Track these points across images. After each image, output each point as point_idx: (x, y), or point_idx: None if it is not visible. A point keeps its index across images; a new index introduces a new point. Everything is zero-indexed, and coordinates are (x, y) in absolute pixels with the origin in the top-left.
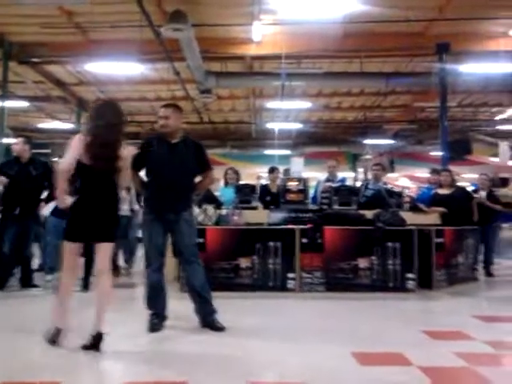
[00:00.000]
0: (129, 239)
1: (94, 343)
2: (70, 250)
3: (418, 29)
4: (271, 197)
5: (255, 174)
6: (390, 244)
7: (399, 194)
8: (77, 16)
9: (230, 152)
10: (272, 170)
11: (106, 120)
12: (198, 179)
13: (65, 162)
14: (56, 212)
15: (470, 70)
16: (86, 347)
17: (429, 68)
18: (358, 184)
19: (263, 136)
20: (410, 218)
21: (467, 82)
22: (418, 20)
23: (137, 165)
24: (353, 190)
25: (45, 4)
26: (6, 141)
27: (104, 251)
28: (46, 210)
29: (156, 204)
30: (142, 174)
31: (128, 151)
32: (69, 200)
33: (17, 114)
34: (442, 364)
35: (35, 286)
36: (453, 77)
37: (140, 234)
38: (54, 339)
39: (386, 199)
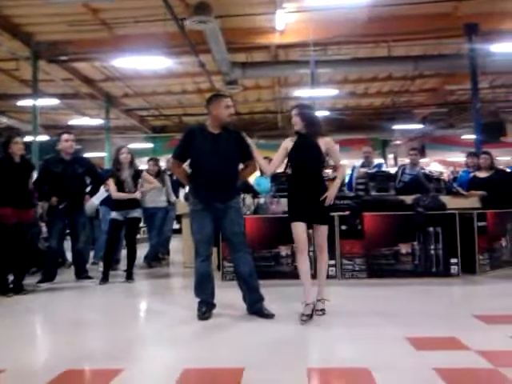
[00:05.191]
0: (164, 230)
1: (321, 309)
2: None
3: (445, 10)
4: None
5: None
6: (431, 229)
7: (438, 179)
8: (102, 12)
9: (257, 142)
10: None
11: None
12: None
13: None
14: (107, 202)
15: (500, 49)
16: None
17: (458, 49)
18: (390, 170)
19: (289, 125)
20: (449, 202)
21: (498, 62)
22: (445, 0)
23: (182, 156)
24: (389, 176)
25: (73, 2)
26: (38, 139)
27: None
28: (96, 199)
29: (204, 194)
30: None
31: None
32: None
33: (47, 112)
34: (500, 348)
35: (89, 277)
36: (483, 57)
37: (175, 225)
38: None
39: (425, 184)
